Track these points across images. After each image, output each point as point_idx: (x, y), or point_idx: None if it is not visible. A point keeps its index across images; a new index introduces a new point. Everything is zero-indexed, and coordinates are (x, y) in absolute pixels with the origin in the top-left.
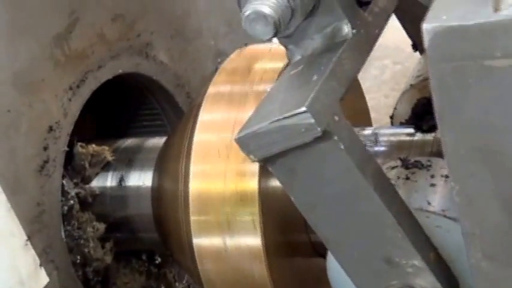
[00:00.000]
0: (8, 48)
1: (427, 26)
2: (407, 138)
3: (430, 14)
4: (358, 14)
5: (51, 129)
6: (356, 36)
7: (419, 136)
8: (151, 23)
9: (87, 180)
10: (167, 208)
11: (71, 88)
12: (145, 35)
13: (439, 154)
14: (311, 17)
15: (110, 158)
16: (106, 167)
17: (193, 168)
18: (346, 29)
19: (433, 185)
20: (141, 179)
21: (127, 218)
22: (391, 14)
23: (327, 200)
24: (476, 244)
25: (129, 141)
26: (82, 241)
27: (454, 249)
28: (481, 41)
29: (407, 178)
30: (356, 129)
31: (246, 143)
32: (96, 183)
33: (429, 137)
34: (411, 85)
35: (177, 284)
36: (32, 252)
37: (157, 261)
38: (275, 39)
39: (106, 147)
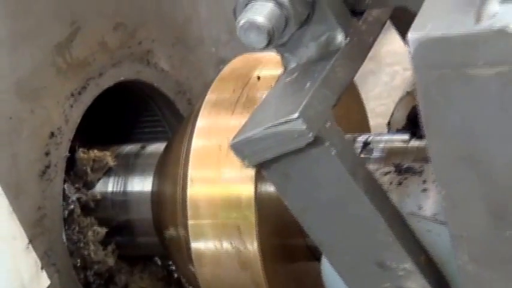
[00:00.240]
0: (10, 56)
1: (412, 36)
2: (402, 144)
3: (415, 24)
4: (351, 23)
5: (52, 135)
6: (349, 45)
7: (413, 142)
8: (152, 31)
9: (89, 185)
10: (166, 212)
11: (72, 95)
12: (146, 43)
13: None
14: (305, 25)
15: (112, 163)
16: (108, 172)
17: (191, 173)
18: (340, 37)
19: (424, 190)
20: (141, 184)
21: (128, 222)
22: (385, 22)
23: (319, 204)
24: (462, 247)
25: (130, 147)
26: (82, 244)
27: (444, 252)
28: (463, 50)
29: (400, 183)
30: (352, 135)
31: (240, 148)
32: (97, 189)
33: (423, 143)
34: (407, 92)
35: None
36: (34, 255)
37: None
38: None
39: (108, 153)
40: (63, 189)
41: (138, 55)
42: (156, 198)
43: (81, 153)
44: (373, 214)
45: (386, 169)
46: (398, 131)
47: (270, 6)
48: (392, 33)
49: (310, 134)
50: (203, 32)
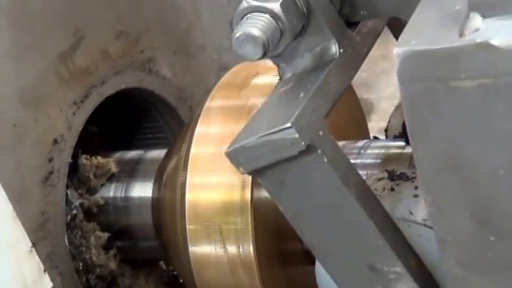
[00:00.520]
0: (14, 65)
1: (398, 50)
2: (398, 150)
3: (401, 39)
4: (346, 34)
5: (55, 142)
6: (343, 56)
7: (408, 149)
8: (154, 39)
9: (92, 191)
10: (166, 217)
11: (75, 103)
12: (148, 51)
13: None
14: (301, 36)
15: (114, 169)
16: (110, 178)
17: (190, 179)
18: (334, 48)
19: (416, 196)
20: (142, 189)
21: (129, 227)
22: (380, 32)
23: (312, 210)
24: (449, 251)
25: (132, 153)
26: (84, 248)
27: (434, 256)
28: (447, 63)
29: (392, 189)
30: (349, 141)
31: (235, 156)
32: (100, 194)
33: None
34: None
35: None
36: (37, 258)
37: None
38: None
39: (111, 159)
40: (66, 195)
41: (140, 63)
42: (157, 204)
43: (84, 160)
44: (365, 219)
45: (380, 175)
46: (395, 137)
47: (265, 19)
48: None
49: (303, 143)
50: (205, 39)
